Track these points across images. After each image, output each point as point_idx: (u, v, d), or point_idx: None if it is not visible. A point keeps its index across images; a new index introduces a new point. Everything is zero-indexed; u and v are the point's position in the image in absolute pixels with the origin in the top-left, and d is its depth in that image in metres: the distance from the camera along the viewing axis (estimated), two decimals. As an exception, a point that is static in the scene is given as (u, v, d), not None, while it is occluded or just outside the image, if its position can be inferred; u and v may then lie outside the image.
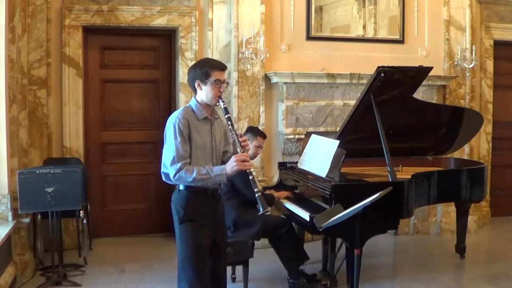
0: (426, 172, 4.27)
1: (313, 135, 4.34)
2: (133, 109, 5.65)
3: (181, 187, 2.92)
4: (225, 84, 2.99)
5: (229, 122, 2.93)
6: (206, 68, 2.92)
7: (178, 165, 2.80)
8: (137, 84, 5.66)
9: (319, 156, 4.05)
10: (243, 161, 2.83)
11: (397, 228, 4.03)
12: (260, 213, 2.83)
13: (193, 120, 2.90)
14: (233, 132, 2.92)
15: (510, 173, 6.59)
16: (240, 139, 2.91)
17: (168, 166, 2.84)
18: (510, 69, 6.53)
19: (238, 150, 2.88)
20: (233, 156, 2.86)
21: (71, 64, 5.15)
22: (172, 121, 2.87)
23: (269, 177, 5.38)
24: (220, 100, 2.93)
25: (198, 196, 2.92)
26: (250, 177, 2.86)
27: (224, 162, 3.02)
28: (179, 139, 2.82)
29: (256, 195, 2.83)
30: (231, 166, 2.83)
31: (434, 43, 5.87)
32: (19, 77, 4.61)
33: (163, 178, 2.94)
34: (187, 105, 3.03)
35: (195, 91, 2.99)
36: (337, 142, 3.89)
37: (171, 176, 2.84)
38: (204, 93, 2.94)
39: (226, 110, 2.94)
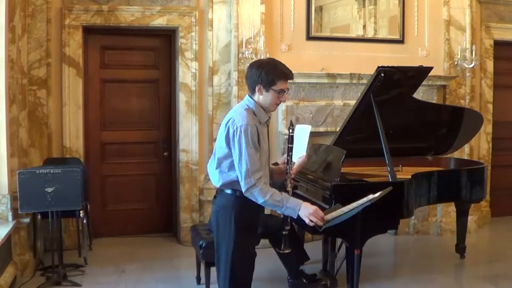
0: (426, 172, 4.26)
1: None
2: (133, 109, 5.64)
3: (230, 191, 2.88)
4: (286, 92, 2.90)
5: (290, 153, 2.89)
6: (273, 76, 2.80)
7: (253, 180, 2.72)
8: (137, 84, 5.65)
9: (298, 143, 3.98)
10: (318, 219, 2.78)
11: (397, 228, 4.01)
12: (280, 251, 2.94)
13: (259, 126, 2.82)
14: (290, 165, 2.91)
15: (510, 173, 6.58)
16: (291, 171, 2.94)
17: (242, 179, 2.74)
18: (510, 69, 6.52)
19: (288, 183, 2.91)
20: (315, 208, 2.80)
21: (71, 64, 5.15)
22: (242, 127, 2.73)
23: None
24: (290, 128, 2.88)
25: (249, 203, 2.84)
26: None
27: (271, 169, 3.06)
28: (253, 149, 2.73)
29: (284, 232, 2.89)
30: (306, 213, 2.76)
31: (434, 43, 5.86)
32: (19, 77, 4.61)
33: (211, 178, 2.96)
34: (246, 106, 2.86)
35: (253, 92, 2.88)
36: (309, 126, 3.58)
37: (243, 190, 2.75)
38: (263, 98, 2.85)
39: (292, 140, 2.89)
